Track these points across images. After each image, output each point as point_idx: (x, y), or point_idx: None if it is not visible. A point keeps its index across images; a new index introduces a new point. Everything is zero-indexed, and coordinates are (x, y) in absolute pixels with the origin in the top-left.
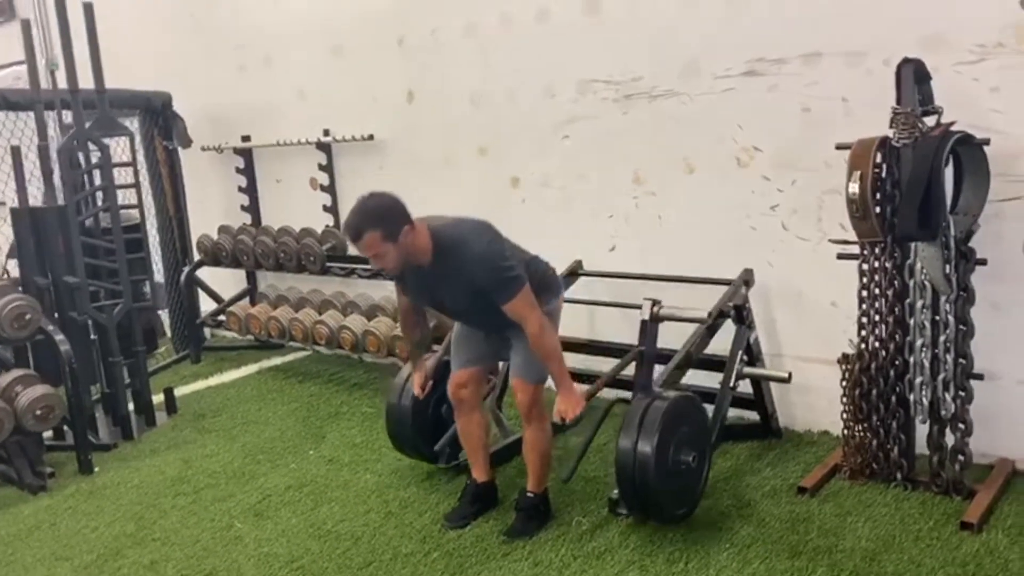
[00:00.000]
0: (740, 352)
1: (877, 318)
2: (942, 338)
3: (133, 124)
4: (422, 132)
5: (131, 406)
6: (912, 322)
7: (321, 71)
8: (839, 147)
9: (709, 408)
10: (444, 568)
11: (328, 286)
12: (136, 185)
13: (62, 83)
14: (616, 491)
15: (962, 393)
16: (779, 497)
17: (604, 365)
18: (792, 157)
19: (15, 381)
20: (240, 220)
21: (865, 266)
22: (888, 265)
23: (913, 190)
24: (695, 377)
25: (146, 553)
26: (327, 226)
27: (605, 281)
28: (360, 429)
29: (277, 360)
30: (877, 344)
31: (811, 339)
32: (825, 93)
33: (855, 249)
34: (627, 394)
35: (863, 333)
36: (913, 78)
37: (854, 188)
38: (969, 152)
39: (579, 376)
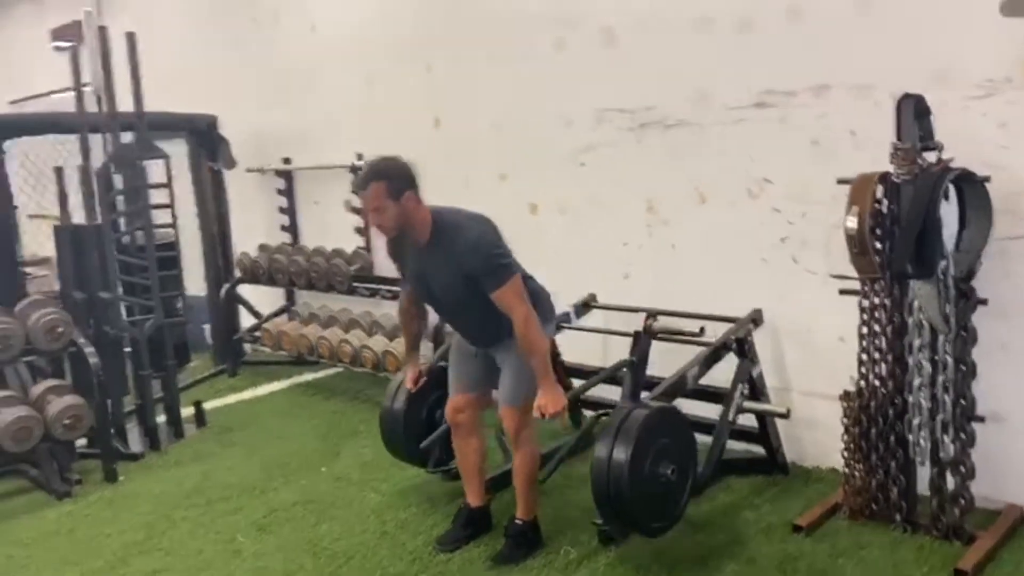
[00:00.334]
0: (741, 385)
1: (877, 355)
2: (940, 378)
3: (181, 146)
4: (447, 157)
5: (163, 418)
6: (911, 361)
7: (355, 97)
8: (840, 181)
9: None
10: None
11: (358, 305)
12: (171, 206)
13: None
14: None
15: (962, 435)
16: (773, 534)
17: (615, 393)
18: (801, 189)
19: (48, 391)
20: (281, 239)
21: (865, 302)
22: (887, 302)
23: (909, 227)
24: (700, 409)
25: (150, 562)
26: (358, 247)
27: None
28: (373, 448)
29: (309, 376)
30: (877, 382)
31: (818, 374)
32: (833, 125)
33: (857, 284)
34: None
35: (863, 370)
36: (913, 113)
37: (852, 223)
38: (971, 189)
39: (592, 404)
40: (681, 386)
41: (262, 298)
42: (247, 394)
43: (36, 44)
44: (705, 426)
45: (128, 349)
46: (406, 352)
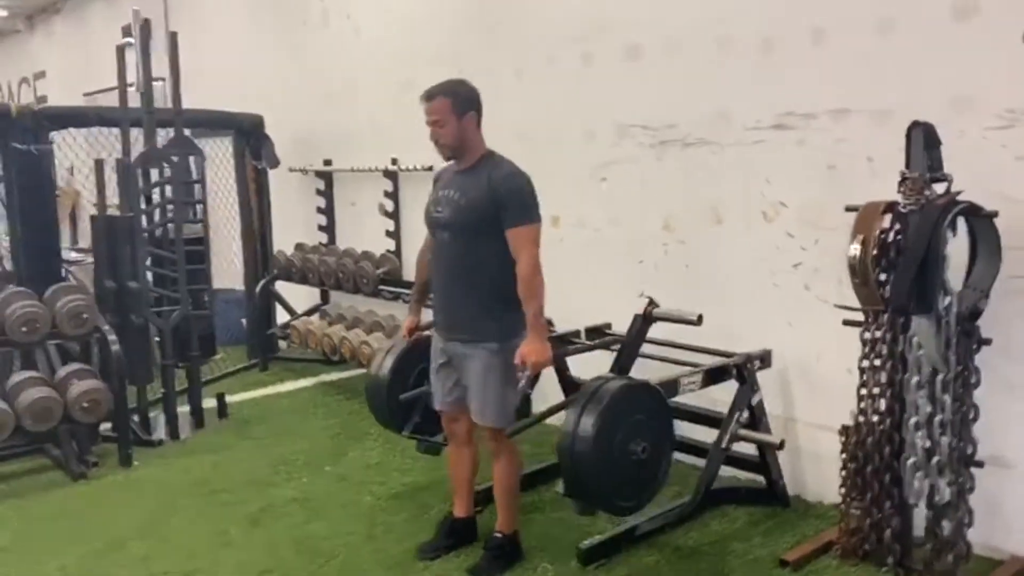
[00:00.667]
0: (738, 412)
1: (876, 390)
2: (938, 418)
3: (227, 143)
4: None
5: (187, 407)
6: (908, 398)
7: (392, 102)
8: (848, 209)
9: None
10: None
11: (385, 308)
12: (202, 201)
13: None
14: (585, 542)
15: (959, 480)
16: (758, 568)
17: None
18: (816, 215)
19: (71, 374)
20: (319, 239)
21: (867, 335)
22: (888, 336)
23: (909, 259)
24: (700, 434)
25: (143, 547)
26: (387, 250)
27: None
28: (381, 451)
29: (335, 375)
30: (875, 418)
31: (824, 406)
32: (851, 151)
33: (861, 316)
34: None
35: (862, 405)
36: (923, 142)
37: (854, 252)
38: (980, 224)
39: None
40: (673, 386)
41: (301, 296)
42: (272, 389)
43: (112, 39)
44: (703, 451)
45: (157, 339)
46: (412, 301)
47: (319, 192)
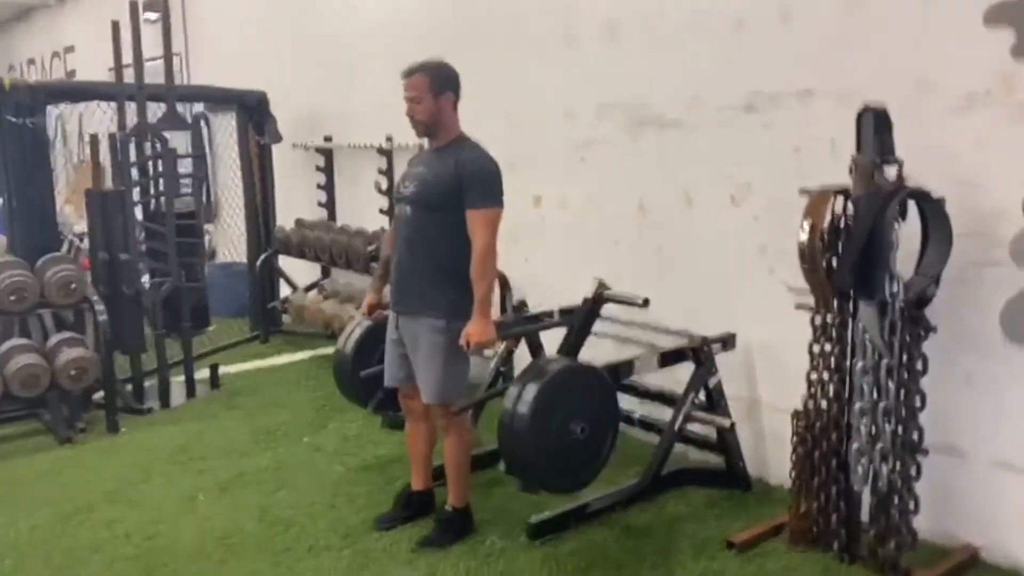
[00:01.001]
0: (693, 393)
1: (826, 376)
2: (882, 405)
3: (231, 119)
4: None
5: (182, 377)
6: (853, 384)
7: (388, 80)
8: (802, 193)
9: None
10: (345, 566)
11: None
12: (193, 176)
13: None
14: (534, 517)
15: (901, 466)
16: (704, 550)
17: None
18: (781, 199)
19: (61, 342)
20: (320, 215)
21: (818, 319)
22: (837, 321)
23: (852, 244)
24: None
25: (112, 511)
26: (382, 227)
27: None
28: (359, 424)
29: (331, 349)
30: (824, 403)
31: (788, 389)
32: (815, 134)
33: (811, 301)
34: None
35: (812, 390)
36: (873, 126)
37: (803, 237)
38: (932, 209)
39: None
40: (627, 368)
41: (306, 272)
42: (269, 361)
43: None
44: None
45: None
46: (374, 278)
47: (319, 168)
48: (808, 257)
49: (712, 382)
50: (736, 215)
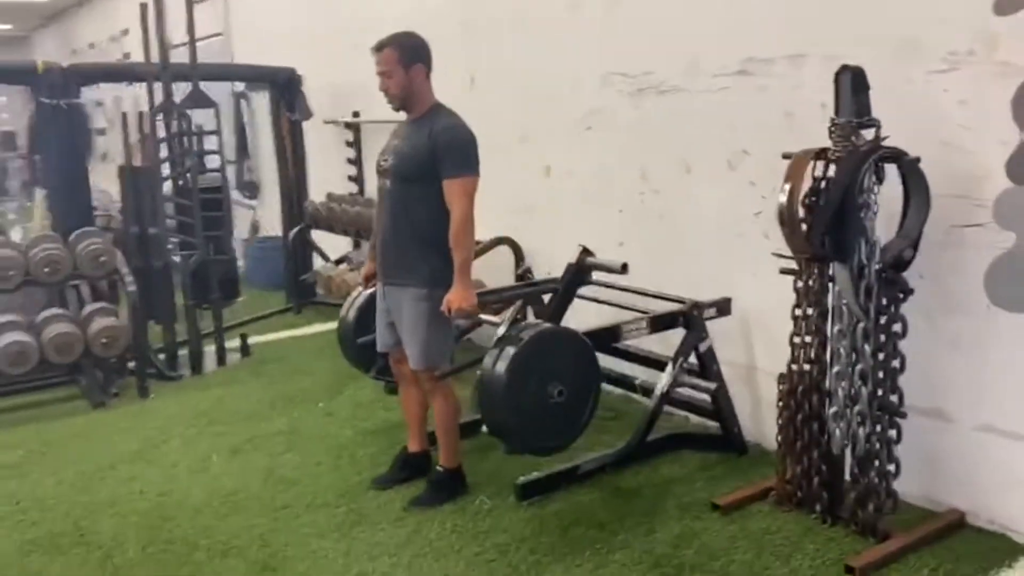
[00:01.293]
0: (682, 359)
1: (809, 339)
2: (859, 367)
3: (264, 96)
4: (479, 117)
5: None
6: (831, 347)
7: None
8: (785, 156)
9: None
10: (339, 522)
11: None
12: (219, 152)
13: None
14: (522, 478)
15: (879, 429)
16: (689, 511)
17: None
18: (774, 163)
19: (95, 312)
20: (351, 189)
21: (799, 283)
22: (816, 284)
23: (826, 206)
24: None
25: (132, 470)
26: None
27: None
28: (372, 390)
29: None
30: (807, 366)
31: (784, 354)
32: (807, 97)
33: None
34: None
35: (795, 353)
36: (851, 87)
37: (782, 200)
38: (911, 171)
39: None
40: (614, 333)
41: (341, 244)
42: (300, 331)
43: None
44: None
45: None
46: (370, 248)
47: (348, 144)
48: (787, 220)
49: (703, 347)
50: (733, 180)
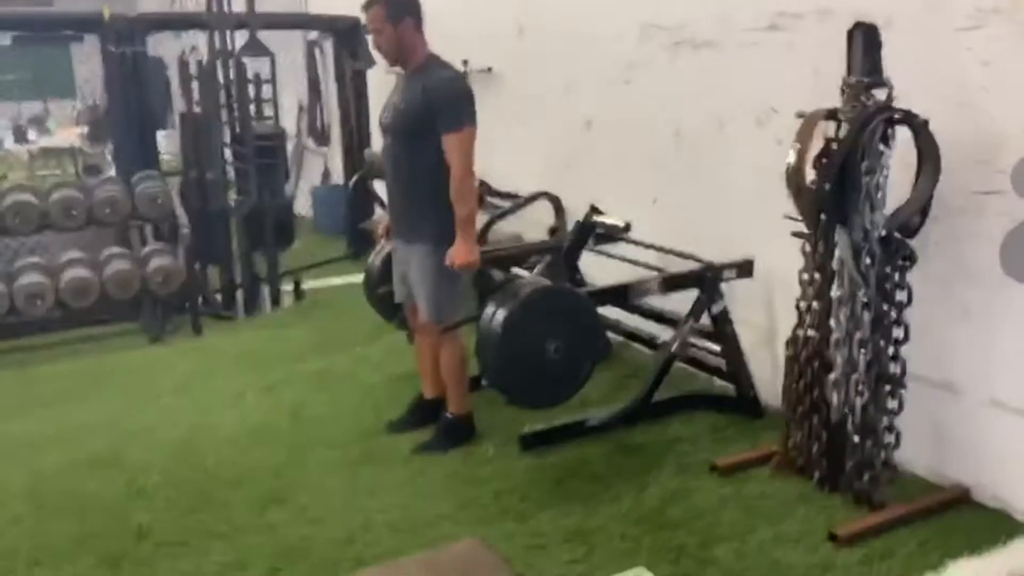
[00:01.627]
0: (692, 320)
1: (815, 304)
2: (858, 336)
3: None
4: (527, 66)
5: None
6: (832, 314)
7: (457, 4)
8: (799, 116)
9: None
10: (350, 461)
11: None
12: (273, 100)
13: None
14: (526, 429)
15: (877, 399)
16: (687, 471)
17: (630, 320)
18: (800, 122)
19: (152, 252)
20: None
21: (807, 247)
22: (819, 249)
23: (827, 167)
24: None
25: (175, 400)
26: None
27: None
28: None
29: None
30: (812, 332)
31: None
32: (833, 55)
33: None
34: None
35: (801, 319)
36: (863, 45)
37: (790, 161)
38: (923, 134)
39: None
40: (623, 292)
41: None
42: (354, 278)
43: None
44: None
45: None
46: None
47: None
48: (793, 182)
49: (715, 309)
50: (760, 138)
